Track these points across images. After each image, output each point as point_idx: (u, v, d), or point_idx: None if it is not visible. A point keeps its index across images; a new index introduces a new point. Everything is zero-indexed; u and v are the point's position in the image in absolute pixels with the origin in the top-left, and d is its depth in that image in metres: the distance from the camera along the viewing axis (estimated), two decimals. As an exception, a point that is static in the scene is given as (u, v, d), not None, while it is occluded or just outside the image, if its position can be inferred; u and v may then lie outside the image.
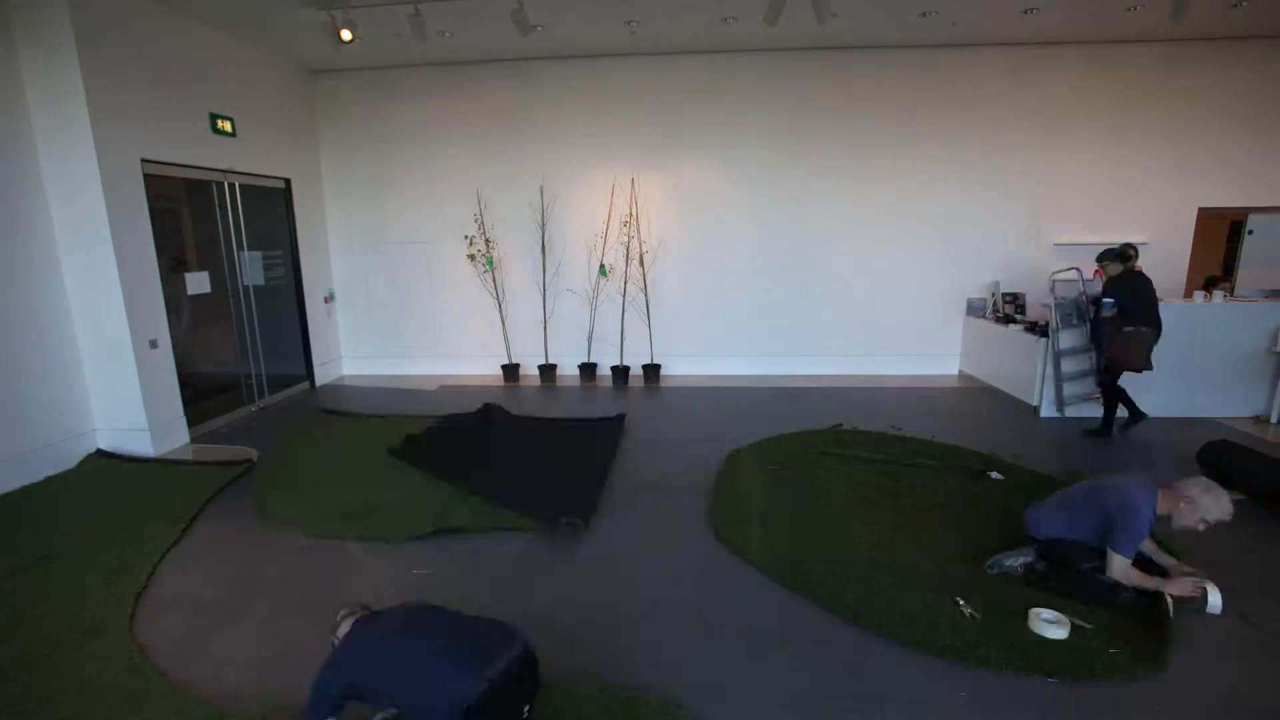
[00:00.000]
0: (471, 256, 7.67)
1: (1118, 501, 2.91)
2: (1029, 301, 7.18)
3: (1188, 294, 7.06)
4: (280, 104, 7.08)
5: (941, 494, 4.21)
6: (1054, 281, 6.13)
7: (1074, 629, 2.73)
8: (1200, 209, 7.27)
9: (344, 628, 2.23)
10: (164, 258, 5.44)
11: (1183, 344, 5.78)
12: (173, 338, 5.52)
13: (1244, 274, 7.48)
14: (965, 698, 2.43)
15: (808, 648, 2.75)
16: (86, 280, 5.04)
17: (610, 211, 7.66)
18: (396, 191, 7.87)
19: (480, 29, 6.27)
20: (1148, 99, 7.05)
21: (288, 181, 7.24)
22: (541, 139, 7.60)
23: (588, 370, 7.93)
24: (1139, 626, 2.79)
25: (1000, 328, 6.85)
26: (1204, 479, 2.93)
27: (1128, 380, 5.32)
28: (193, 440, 5.69)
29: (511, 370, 7.92)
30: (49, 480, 4.75)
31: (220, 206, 6.24)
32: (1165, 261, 7.30)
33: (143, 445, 5.26)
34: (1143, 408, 5.80)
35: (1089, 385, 5.82)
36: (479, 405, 6.16)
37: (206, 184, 6.07)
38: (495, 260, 7.74)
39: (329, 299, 8.04)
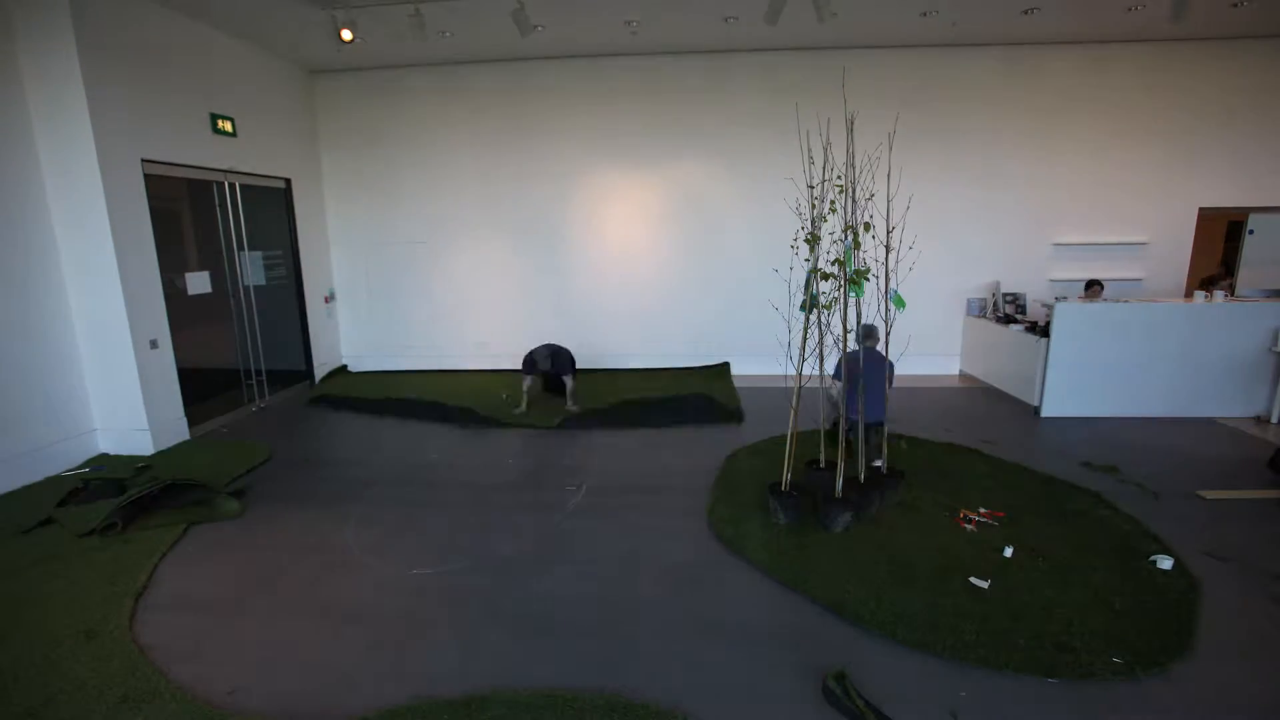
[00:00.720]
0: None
1: None
2: (1029, 301, 7.18)
3: (1188, 294, 7.06)
4: (280, 104, 7.08)
5: (942, 493, 4.21)
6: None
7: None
8: (1200, 209, 7.27)
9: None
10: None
11: (1183, 344, 5.78)
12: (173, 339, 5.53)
13: (1244, 274, 7.48)
14: (965, 697, 2.43)
15: (808, 648, 2.75)
16: (87, 280, 5.04)
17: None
18: (396, 191, 7.88)
19: (480, 29, 6.27)
20: (1148, 99, 7.04)
21: (288, 181, 7.24)
22: (541, 139, 7.60)
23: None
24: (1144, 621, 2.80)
25: (1000, 328, 6.85)
26: None
27: None
28: (193, 440, 5.69)
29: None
30: (49, 480, 4.76)
31: (220, 206, 6.24)
32: (1165, 261, 7.31)
33: (143, 445, 5.27)
34: (1142, 408, 5.83)
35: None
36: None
37: (207, 184, 6.07)
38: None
39: (330, 299, 8.05)
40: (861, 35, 6.73)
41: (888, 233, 4.15)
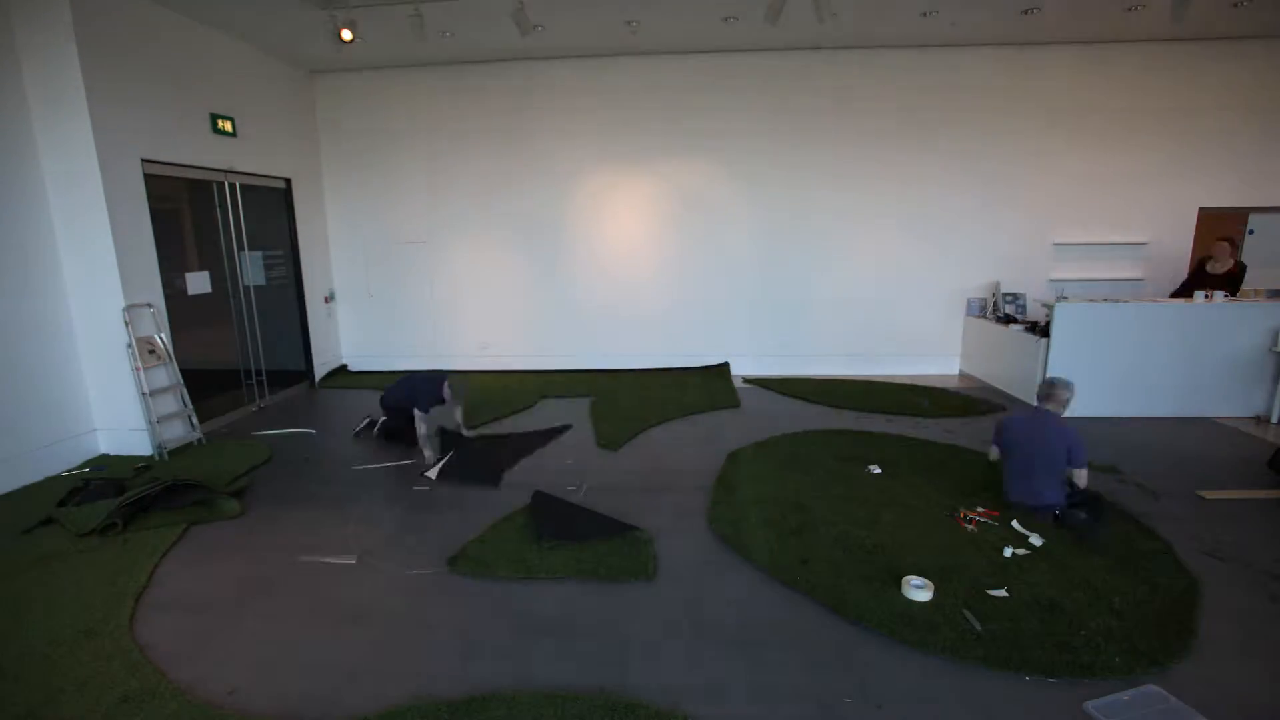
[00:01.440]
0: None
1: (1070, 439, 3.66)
2: (1029, 301, 7.18)
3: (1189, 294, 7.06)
4: (280, 104, 7.08)
5: (943, 493, 4.21)
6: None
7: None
8: (1201, 208, 7.27)
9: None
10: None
11: (1183, 344, 5.78)
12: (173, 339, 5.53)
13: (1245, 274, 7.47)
14: (955, 695, 2.43)
15: (808, 648, 2.75)
16: (87, 280, 5.04)
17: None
18: (396, 191, 7.88)
19: (480, 29, 6.27)
20: (1148, 99, 7.04)
21: (288, 181, 7.24)
22: (541, 138, 7.60)
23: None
24: (1145, 622, 2.80)
25: (1000, 328, 6.85)
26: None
27: None
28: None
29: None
30: (49, 480, 4.76)
31: (220, 206, 6.24)
32: (1165, 261, 7.31)
33: (143, 445, 5.26)
34: (1142, 408, 5.83)
35: None
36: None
37: (207, 184, 6.07)
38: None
39: (329, 299, 8.04)
40: (861, 35, 6.73)
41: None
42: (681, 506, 4.16)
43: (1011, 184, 7.35)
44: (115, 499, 4.03)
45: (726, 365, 7.90)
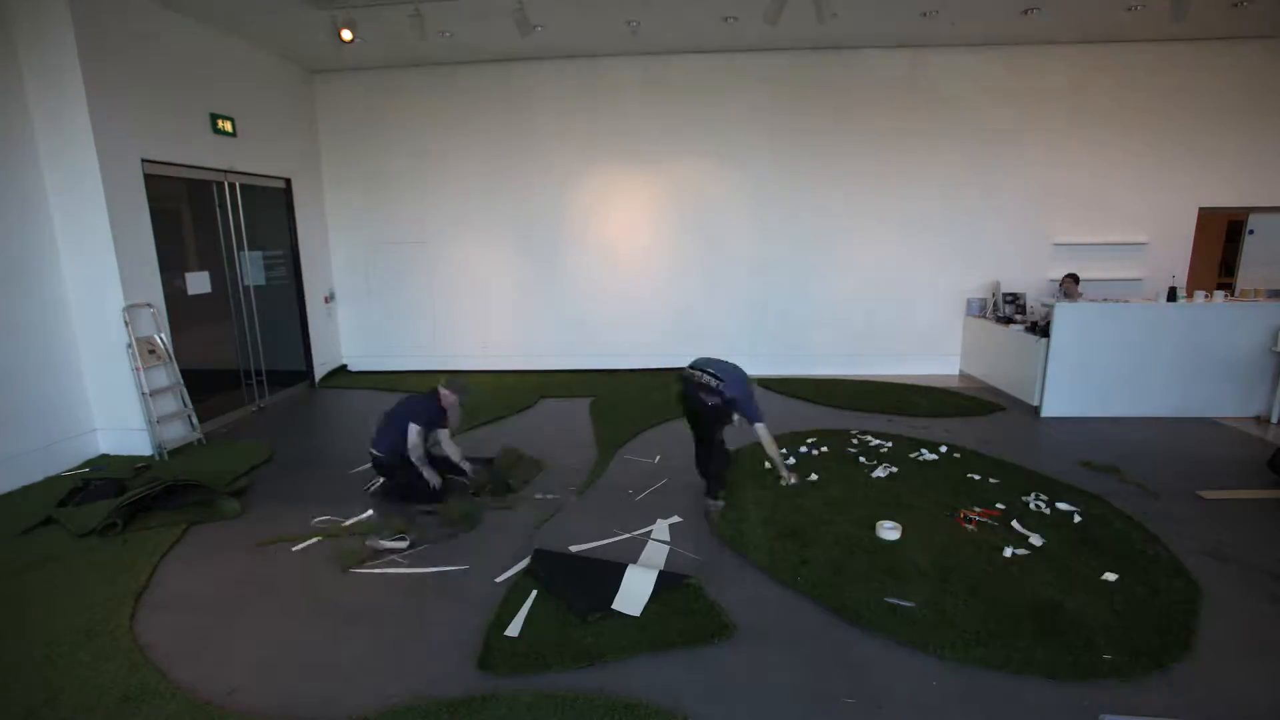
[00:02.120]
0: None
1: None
2: (1029, 301, 7.18)
3: (1188, 294, 7.05)
4: (280, 104, 7.08)
5: (943, 493, 4.21)
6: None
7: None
8: (1200, 209, 7.27)
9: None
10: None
11: (1183, 344, 5.78)
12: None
13: (1244, 274, 7.49)
14: (955, 696, 2.43)
15: (807, 647, 2.75)
16: (87, 280, 5.04)
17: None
18: (396, 191, 7.88)
19: (480, 29, 6.27)
20: (1148, 99, 7.04)
21: (288, 181, 7.24)
22: (541, 138, 7.60)
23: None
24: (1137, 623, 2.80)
25: (1000, 328, 6.85)
26: None
27: None
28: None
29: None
30: (48, 480, 4.76)
31: (220, 206, 6.24)
32: (1165, 261, 7.31)
33: (143, 445, 5.26)
34: (1142, 408, 5.82)
35: None
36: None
37: (207, 184, 6.07)
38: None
39: (329, 299, 8.04)
40: (861, 35, 6.73)
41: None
42: (681, 507, 4.15)
43: (1011, 184, 7.35)
44: (115, 499, 4.03)
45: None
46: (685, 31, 6.57)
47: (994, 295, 7.32)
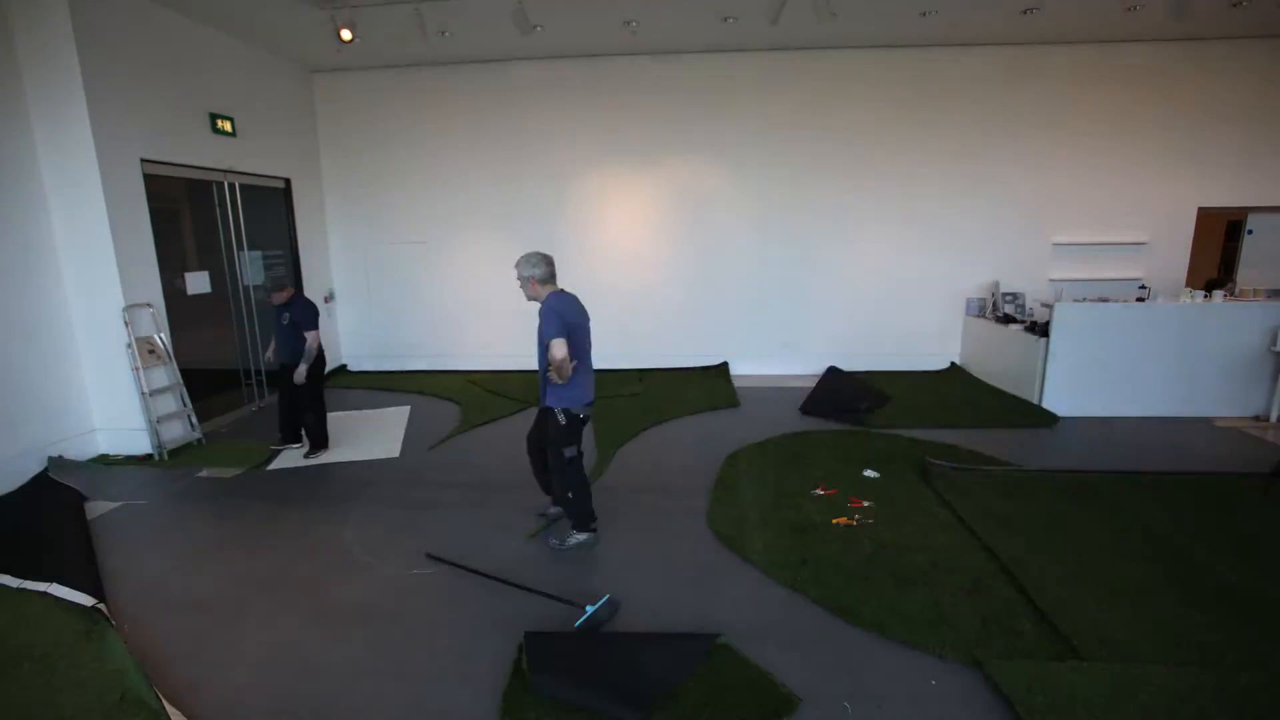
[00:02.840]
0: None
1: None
2: (1028, 301, 7.18)
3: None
4: (280, 104, 7.08)
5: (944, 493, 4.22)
6: None
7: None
8: (1200, 209, 7.28)
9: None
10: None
11: (1182, 344, 5.79)
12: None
13: (1244, 274, 7.49)
14: (955, 695, 2.44)
15: (807, 648, 2.75)
16: (86, 280, 5.04)
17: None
18: (396, 191, 7.88)
19: (480, 29, 6.27)
20: (1147, 99, 7.05)
21: (288, 181, 7.24)
22: (541, 138, 7.60)
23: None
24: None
25: (1000, 327, 6.85)
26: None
27: None
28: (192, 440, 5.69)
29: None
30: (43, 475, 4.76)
31: (220, 206, 6.24)
32: (1164, 261, 7.31)
33: (142, 445, 5.26)
34: (1141, 407, 5.80)
35: None
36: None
37: (206, 184, 6.07)
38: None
39: (329, 299, 8.04)
40: (861, 35, 6.73)
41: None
42: (681, 507, 4.15)
43: (1011, 184, 7.35)
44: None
45: (726, 365, 7.90)
46: (684, 32, 6.57)
47: (993, 295, 7.32)
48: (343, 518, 4.09)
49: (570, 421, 3.43)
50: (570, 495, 3.52)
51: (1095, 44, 6.95)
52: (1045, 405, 5.96)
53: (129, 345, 5.11)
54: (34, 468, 4.76)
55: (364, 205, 7.95)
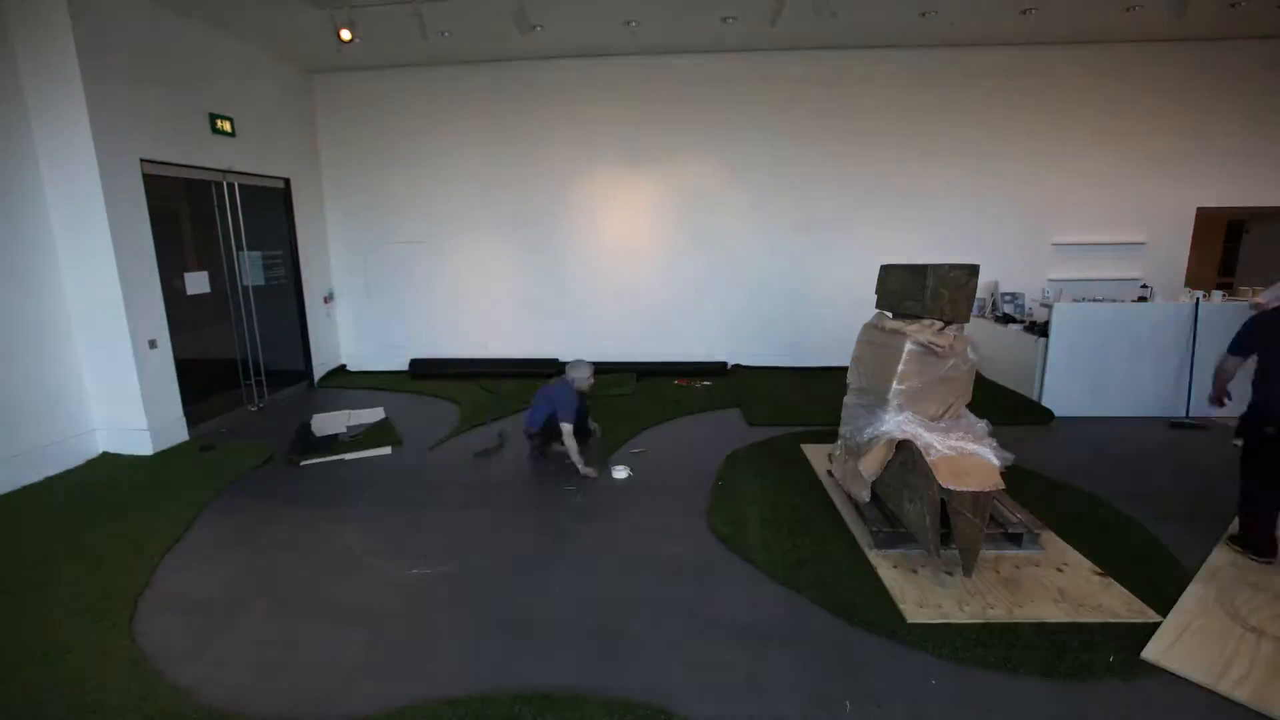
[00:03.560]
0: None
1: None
2: (1028, 301, 7.19)
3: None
4: (280, 104, 7.08)
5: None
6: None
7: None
8: (1199, 209, 7.29)
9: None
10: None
11: (1181, 344, 5.79)
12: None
13: (1244, 274, 7.50)
14: (955, 694, 2.44)
15: (807, 648, 2.76)
16: (86, 280, 5.04)
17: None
18: (396, 191, 7.88)
19: (480, 29, 6.27)
20: (1146, 98, 7.06)
21: (287, 181, 7.24)
22: (540, 138, 7.60)
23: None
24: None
25: (1000, 327, 6.86)
26: None
27: None
28: (192, 440, 5.69)
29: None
30: (49, 480, 4.76)
31: (219, 206, 6.24)
32: (1163, 261, 7.32)
33: (142, 445, 5.26)
34: (1141, 407, 5.81)
35: None
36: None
37: (206, 184, 6.07)
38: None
39: (329, 299, 8.04)
40: (861, 35, 6.73)
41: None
42: (681, 506, 4.16)
43: (1010, 184, 7.36)
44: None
45: (725, 365, 7.91)
46: (684, 32, 6.57)
47: (993, 295, 7.33)
48: (343, 518, 4.09)
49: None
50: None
51: (1095, 44, 6.95)
52: (1045, 405, 5.96)
53: (128, 345, 5.11)
54: (34, 468, 4.76)
55: (364, 205, 7.95)
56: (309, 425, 5.88)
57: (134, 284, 5.15)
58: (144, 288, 5.27)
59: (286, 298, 7.35)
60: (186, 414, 5.70)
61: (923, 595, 3.06)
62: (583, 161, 7.64)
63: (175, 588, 3.34)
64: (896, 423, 3.45)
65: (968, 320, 3.60)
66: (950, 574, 3.22)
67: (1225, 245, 8.54)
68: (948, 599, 3.03)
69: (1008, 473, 3.24)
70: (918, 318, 3.65)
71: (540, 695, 2.46)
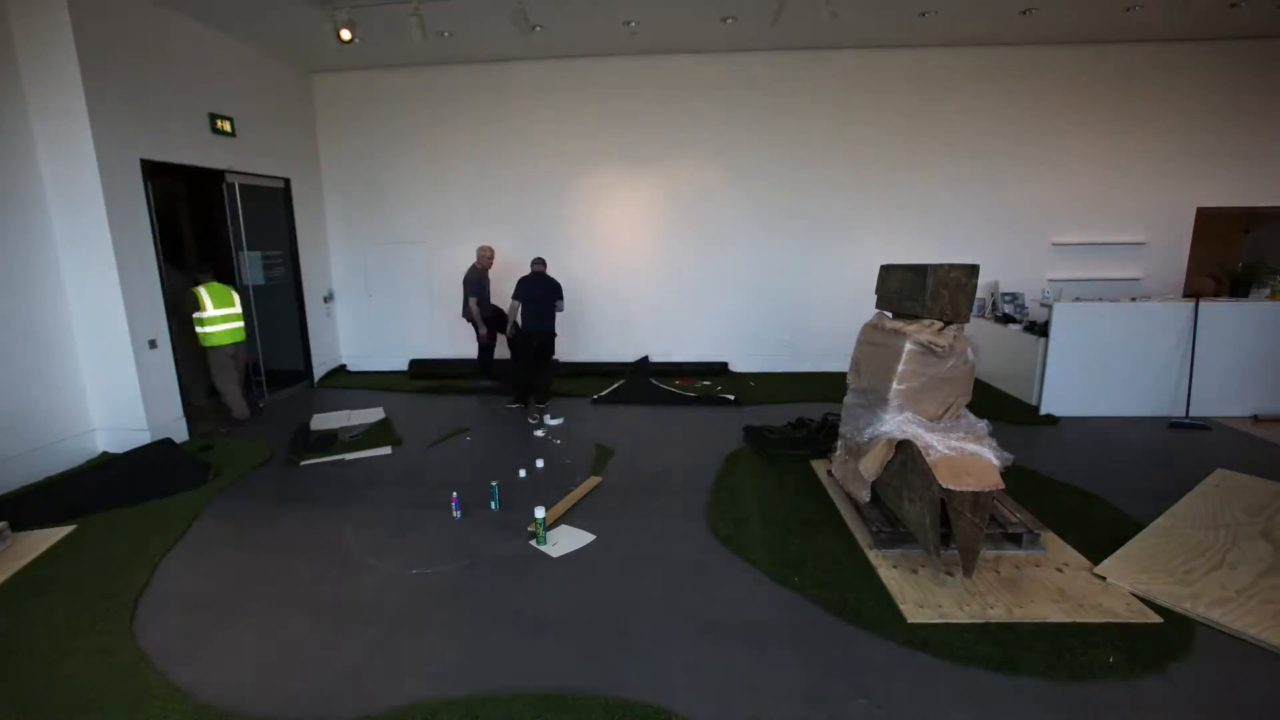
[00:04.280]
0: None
1: None
2: (1028, 301, 7.19)
3: (1187, 294, 7.07)
4: (280, 104, 7.08)
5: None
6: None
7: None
8: (1199, 208, 7.29)
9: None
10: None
11: (1181, 343, 5.79)
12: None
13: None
14: (955, 694, 2.44)
15: (807, 648, 2.76)
16: (86, 280, 5.04)
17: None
18: (396, 191, 7.88)
19: (480, 29, 6.27)
20: (1146, 98, 7.06)
21: (287, 181, 7.24)
22: (540, 138, 7.60)
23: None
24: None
25: (999, 327, 6.85)
26: None
27: None
28: (192, 440, 5.69)
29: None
30: (49, 480, 4.76)
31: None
32: (1163, 261, 7.32)
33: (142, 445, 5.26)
34: (1141, 407, 5.79)
35: None
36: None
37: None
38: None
39: (328, 299, 8.04)
40: (860, 35, 6.74)
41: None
42: (681, 506, 4.16)
43: (1010, 183, 7.36)
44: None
45: (725, 365, 7.91)
46: (684, 32, 6.57)
47: (993, 295, 7.33)
48: (343, 517, 4.09)
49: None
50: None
51: (1094, 44, 6.96)
52: (1044, 405, 5.96)
53: (128, 345, 5.11)
54: (34, 467, 4.76)
55: (364, 205, 7.95)
56: (309, 425, 5.88)
57: (134, 284, 5.15)
58: (144, 288, 5.27)
59: (286, 298, 7.35)
60: (186, 414, 5.69)
61: (923, 595, 3.06)
62: (583, 161, 7.64)
63: (175, 587, 3.34)
64: (896, 423, 3.45)
65: (968, 320, 3.60)
66: (950, 574, 3.22)
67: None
68: (948, 599, 3.03)
69: (1007, 472, 3.24)
70: (918, 318, 3.65)
71: (540, 695, 2.46)
